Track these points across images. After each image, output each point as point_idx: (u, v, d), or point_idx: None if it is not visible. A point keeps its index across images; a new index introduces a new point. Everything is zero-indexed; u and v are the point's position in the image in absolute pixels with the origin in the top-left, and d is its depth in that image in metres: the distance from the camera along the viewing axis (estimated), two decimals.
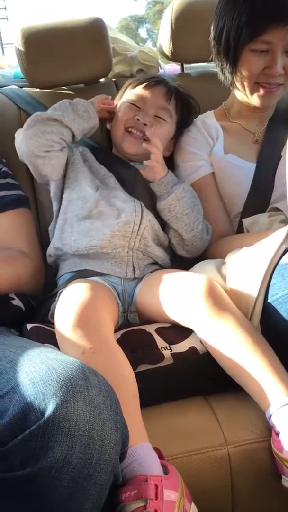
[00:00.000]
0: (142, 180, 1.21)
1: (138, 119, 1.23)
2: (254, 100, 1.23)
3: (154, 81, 1.28)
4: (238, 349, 0.88)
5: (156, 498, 0.70)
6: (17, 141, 1.21)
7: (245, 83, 1.21)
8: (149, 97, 1.26)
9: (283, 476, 0.81)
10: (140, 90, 1.27)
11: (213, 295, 0.93)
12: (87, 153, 1.28)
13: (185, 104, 1.32)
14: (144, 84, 1.27)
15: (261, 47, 1.14)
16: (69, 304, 0.92)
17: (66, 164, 1.24)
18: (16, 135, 1.21)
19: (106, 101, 1.31)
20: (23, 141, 1.18)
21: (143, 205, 1.18)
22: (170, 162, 1.31)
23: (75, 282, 1.04)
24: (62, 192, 1.23)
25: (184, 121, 1.32)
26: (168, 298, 0.99)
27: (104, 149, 1.33)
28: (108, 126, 1.33)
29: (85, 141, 1.32)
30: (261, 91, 1.20)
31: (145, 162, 1.18)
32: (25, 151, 1.18)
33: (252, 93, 1.22)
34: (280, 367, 0.87)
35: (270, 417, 0.83)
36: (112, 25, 1.55)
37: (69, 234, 1.15)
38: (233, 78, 1.22)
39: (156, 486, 0.71)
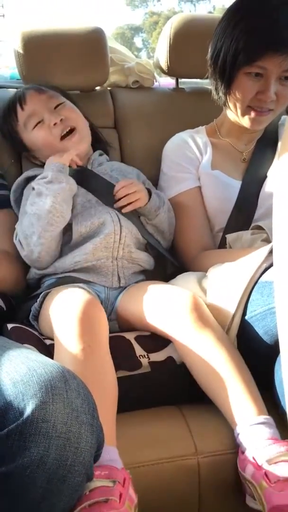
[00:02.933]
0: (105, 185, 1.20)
1: (54, 123, 1.20)
2: (245, 122, 1.26)
3: (19, 98, 1.25)
4: (215, 365, 0.90)
5: (123, 486, 0.73)
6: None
7: (238, 105, 1.23)
8: (34, 106, 1.23)
9: (246, 495, 0.83)
10: (23, 114, 1.23)
11: (197, 310, 0.95)
12: None
13: (44, 84, 1.30)
14: (19, 108, 1.24)
15: (257, 72, 1.17)
16: (72, 301, 0.93)
17: None
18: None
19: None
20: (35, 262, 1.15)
21: (118, 214, 1.18)
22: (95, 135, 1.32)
23: (62, 287, 1.05)
24: None
25: (60, 90, 1.31)
26: (151, 308, 1.01)
27: None
28: (36, 162, 1.29)
29: None
30: (252, 114, 1.23)
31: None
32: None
33: (243, 115, 1.25)
34: (253, 387, 0.89)
35: (238, 435, 0.85)
36: (109, 31, 1.58)
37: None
38: (226, 98, 1.25)
39: (125, 479, 0.74)
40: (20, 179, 1.24)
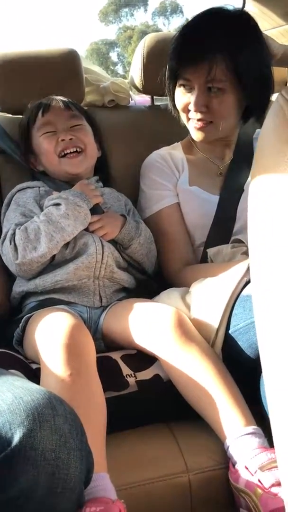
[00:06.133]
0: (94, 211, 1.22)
1: (63, 139, 1.25)
2: (191, 133, 1.30)
3: (45, 105, 1.29)
4: (202, 379, 0.91)
5: None
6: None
7: (182, 117, 1.30)
8: (54, 117, 1.27)
9: (240, 509, 0.83)
10: (42, 119, 1.28)
11: (181, 326, 0.96)
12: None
13: (75, 104, 1.35)
14: (40, 113, 1.28)
15: (184, 84, 1.23)
16: (57, 326, 0.93)
17: None
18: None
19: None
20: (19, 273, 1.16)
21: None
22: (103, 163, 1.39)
23: (44, 310, 1.05)
24: None
25: (88, 115, 1.38)
26: (136, 326, 1.02)
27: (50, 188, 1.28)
28: (37, 167, 1.32)
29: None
30: (192, 125, 1.28)
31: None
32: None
33: (189, 126, 1.30)
34: (240, 399, 0.90)
35: (228, 447, 0.86)
36: (83, 47, 1.60)
37: (35, 277, 1.16)
38: (176, 111, 1.31)
39: (120, 510, 0.73)
40: (13, 191, 1.27)
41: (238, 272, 1.01)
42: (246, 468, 0.81)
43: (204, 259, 1.28)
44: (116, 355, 1.02)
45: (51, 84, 1.43)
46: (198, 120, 1.24)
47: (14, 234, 1.13)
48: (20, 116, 1.50)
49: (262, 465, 0.80)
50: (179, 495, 0.86)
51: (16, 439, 0.62)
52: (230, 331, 0.97)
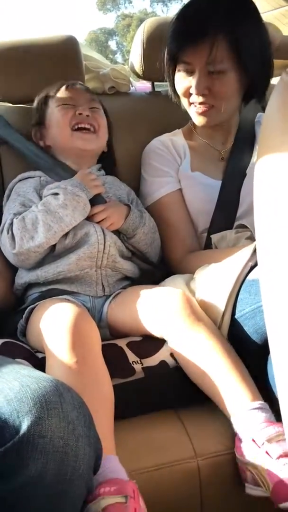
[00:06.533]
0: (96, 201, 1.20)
1: (80, 113, 1.24)
2: (193, 118, 1.29)
3: (70, 85, 1.30)
4: (209, 357, 0.91)
5: (135, 499, 0.72)
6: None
7: (183, 102, 1.28)
8: (76, 95, 1.28)
9: (246, 484, 0.84)
10: (64, 92, 1.28)
11: (188, 307, 0.96)
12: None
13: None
14: (64, 88, 1.28)
15: (184, 68, 1.21)
16: (61, 315, 0.93)
17: None
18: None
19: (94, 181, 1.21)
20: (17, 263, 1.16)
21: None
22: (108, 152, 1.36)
23: (48, 300, 1.05)
24: None
25: (102, 105, 1.36)
26: (142, 309, 1.02)
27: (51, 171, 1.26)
28: (41, 143, 1.30)
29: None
30: (193, 110, 1.26)
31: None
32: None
33: (190, 112, 1.28)
34: (247, 375, 0.90)
35: (234, 424, 0.86)
36: (82, 37, 1.59)
37: (36, 268, 1.15)
38: (176, 97, 1.29)
39: (134, 490, 0.73)
40: (14, 181, 1.26)
41: (243, 257, 1.00)
42: (253, 441, 0.81)
43: (208, 245, 1.28)
44: (121, 342, 1.01)
45: (51, 72, 1.41)
46: (200, 103, 1.22)
47: (12, 223, 1.12)
48: (21, 105, 1.49)
49: (270, 438, 0.80)
50: (188, 480, 0.86)
51: (24, 427, 0.62)
52: (236, 316, 0.97)
